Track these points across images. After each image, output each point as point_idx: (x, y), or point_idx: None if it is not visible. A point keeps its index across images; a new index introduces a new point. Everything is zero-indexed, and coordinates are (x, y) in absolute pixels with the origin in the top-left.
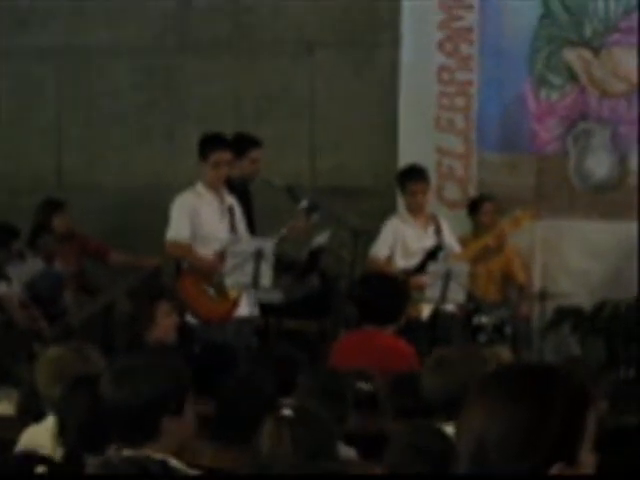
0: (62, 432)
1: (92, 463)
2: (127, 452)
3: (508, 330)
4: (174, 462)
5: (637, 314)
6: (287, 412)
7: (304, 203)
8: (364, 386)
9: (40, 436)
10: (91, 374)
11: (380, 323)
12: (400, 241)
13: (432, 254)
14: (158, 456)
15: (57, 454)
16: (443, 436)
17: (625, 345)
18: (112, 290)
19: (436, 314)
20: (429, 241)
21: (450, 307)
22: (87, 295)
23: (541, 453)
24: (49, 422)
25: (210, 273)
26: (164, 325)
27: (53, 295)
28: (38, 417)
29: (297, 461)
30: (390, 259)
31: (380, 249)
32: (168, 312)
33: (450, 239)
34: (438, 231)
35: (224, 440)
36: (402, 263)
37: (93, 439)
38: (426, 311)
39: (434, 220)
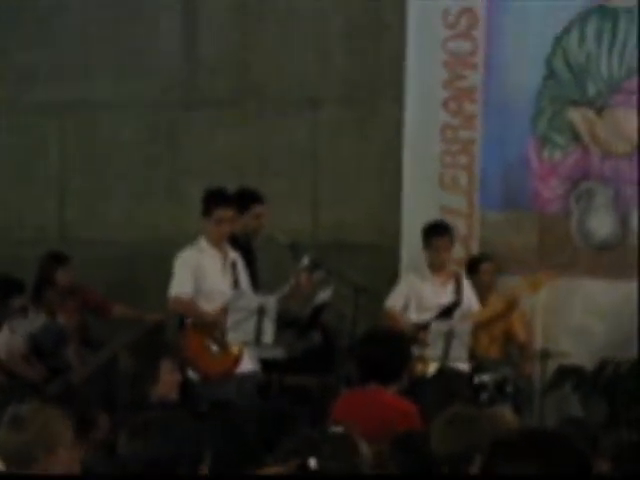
0: None
1: None
2: None
3: (509, 389)
4: None
5: (639, 373)
6: (313, 464)
7: (306, 260)
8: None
9: None
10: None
11: (382, 382)
12: (415, 296)
13: (447, 311)
14: None
15: None
16: None
17: (627, 405)
18: (114, 345)
19: (442, 371)
20: (446, 298)
21: (460, 365)
22: (89, 349)
23: None
24: None
25: (213, 327)
26: (167, 382)
27: (55, 349)
28: None
29: None
30: (405, 311)
31: (395, 301)
32: (171, 370)
33: (470, 298)
34: (458, 288)
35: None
36: (416, 317)
37: None
38: (432, 368)
39: (456, 277)
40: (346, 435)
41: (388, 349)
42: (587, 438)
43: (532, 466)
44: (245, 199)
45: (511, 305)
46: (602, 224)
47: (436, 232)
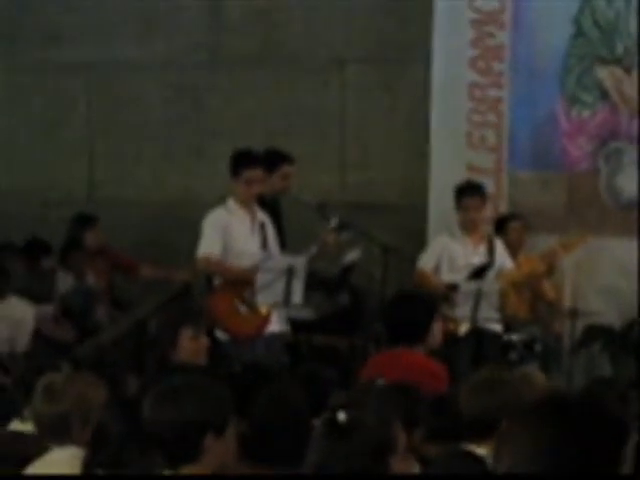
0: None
1: None
2: (167, 472)
3: (538, 348)
4: None
5: None
6: (341, 417)
7: (334, 221)
8: None
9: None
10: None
11: (411, 343)
12: (447, 256)
13: (480, 272)
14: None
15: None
16: (479, 460)
17: None
18: (142, 307)
19: (473, 331)
20: (478, 258)
21: (492, 325)
22: (118, 310)
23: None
24: (70, 450)
25: (244, 284)
26: (189, 349)
27: (85, 310)
28: None
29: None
30: (437, 272)
31: (427, 262)
32: (192, 336)
33: (504, 259)
34: (491, 249)
35: (259, 460)
36: (448, 277)
37: (129, 459)
38: (464, 328)
39: (488, 239)
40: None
41: (415, 310)
42: (616, 397)
43: (547, 434)
44: (273, 159)
45: (549, 268)
46: (630, 183)
47: (467, 192)
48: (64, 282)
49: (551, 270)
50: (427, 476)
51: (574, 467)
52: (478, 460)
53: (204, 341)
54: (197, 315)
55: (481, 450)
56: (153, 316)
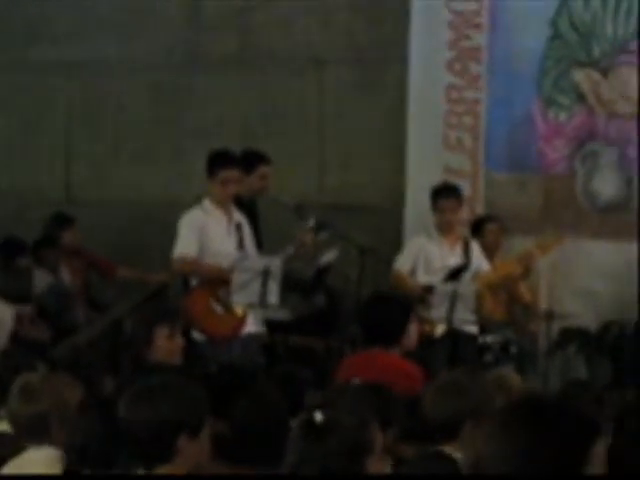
0: (69, 453)
1: None
2: (142, 472)
3: (514, 350)
4: None
5: None
6: (318, 417)
7: (311, 221)
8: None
9: (38, 462)
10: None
11: (386, 344)
12: (423, 257)
13: (456, 273)
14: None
15: None
16: (451, 461)
17: (631, 366)
18: (118, 307)
19: (450, 333)
20: (454, 260)
21: (468, 327)
22: (94, 311)
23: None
24: (46, 450)
25: (221, 283)
26: (165, 348)
27: (61, 310)
28: None
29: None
30: (413, 273)
31: (403, 263)
32: (169, 335)
33: (480, 260)
34: (467, 251)
35: (237, 460)
36: (424, 279)
37: (104, 460)
38: (440, 330)
39: (465, 240)
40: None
41: (390, 311)
42: (590, 399)
43: (521, 435)
44: (251, 159)
45: (525, 270)
46: (607, 185)
47: (444, 194)
48: (40, 281)
49: (527, 272)
50: (403, 476)
51: (547, 468)
52: (451, 461)
53: (179, 341)
54: (173, 314)
55: (452, 450)
56: (129, 316)
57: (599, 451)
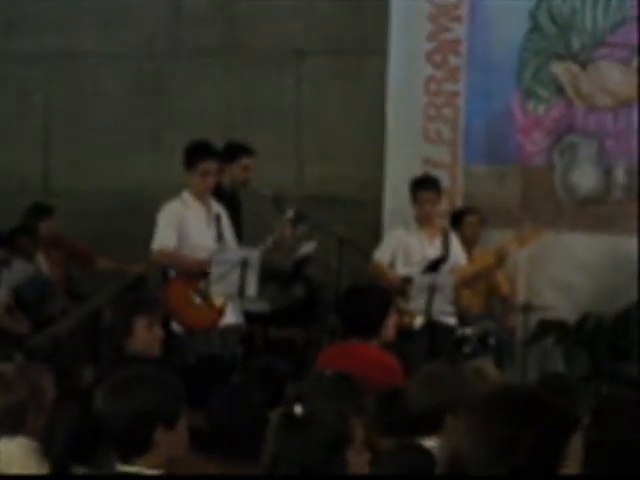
0: (49, 445)
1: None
2: (121, 467)
3: (492, 342)
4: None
5: (621, 327)
6: (298, 410)
7: (290, 213)
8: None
9: (11, 452)
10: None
11: (364, 336)
12: (402, 249)
13: (434, 265)
14: (148, 472)
15: (38, 469)
16: (427, 454)
17: (609, 358)
18: (97, 298)
19: (429, 324)
20: (433, 252)
21: (446, 319)
22: (73, 301)
23: (513, 468)
24: (19, 440)
25: (199, 275)
26: (144, 339)
27: (39, 300)
28: None
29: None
30: (392, 265)
31: (382, 255)
32: (148, 326)
33: (458, 253)
34: (446, 243)
35: (214, 453)
36: (403, 270)
37: (82, 451)
38: (419, 321)
39: (444, 232)
40: (345, 375)
41: (369, 303)
42: (567, 392)
43: (497, 426)
44: (233, 151)
45: (499, 260)
46: (585, 178)
47: (423, 186)
48: (18, 271)
49: (501, 262)
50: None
51: (523, 460)
52: (426, 453)
53: (158, 332)
54: (151, 305)
55: (430, 443)
56: (108, 306)
57: (576, 444)
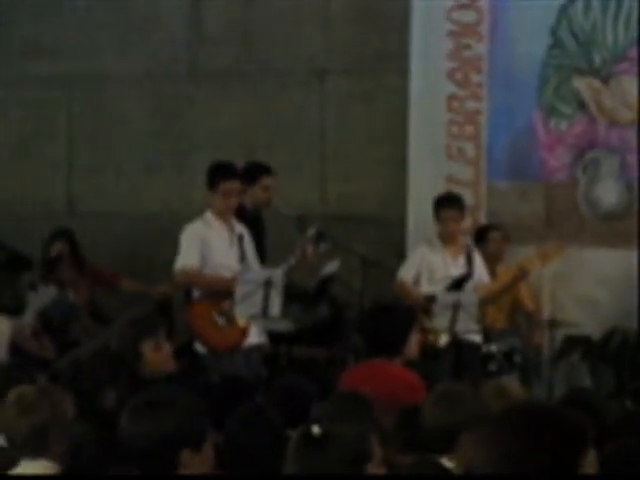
0: (71, 469)
1: None
2: None
3: (518, 359)
4: None
5: None
6: (315, 430)
7: (311, 231)
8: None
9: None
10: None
11: (388, 354)
12: (426, 267)
13: (458, 283)
14: None
15: None
16: (444, 471)
17: (633, 374)
18: (121, 320)
19: (454, 342)
20: (457, 270)
21: (471, 336)
22: (98, 323)
23: None
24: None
25: (223, 294)
26: (155, 361)
27: (65, 323)
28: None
29: None
30: (416, 283)
31: (406, 273)
32: (155, 347)
33: (481, 271)
34: (469, 261)
35: (230, 471)
36: (427, 289)
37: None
38: (444, 339)
39: (467, 250)
40: (357, 394)
41: (392, 322)
42: (592, 408)
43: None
44: (254, 171)
45: (520, 277)
46: (608, 193)
47: (446, 204)
48: (44, 295)
49: (523, 277)
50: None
51: (535, 473)
52: (444, 470)
53: (167, 348)
54: (154, 324)
55: (450, 461)
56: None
57: (590, 459)
